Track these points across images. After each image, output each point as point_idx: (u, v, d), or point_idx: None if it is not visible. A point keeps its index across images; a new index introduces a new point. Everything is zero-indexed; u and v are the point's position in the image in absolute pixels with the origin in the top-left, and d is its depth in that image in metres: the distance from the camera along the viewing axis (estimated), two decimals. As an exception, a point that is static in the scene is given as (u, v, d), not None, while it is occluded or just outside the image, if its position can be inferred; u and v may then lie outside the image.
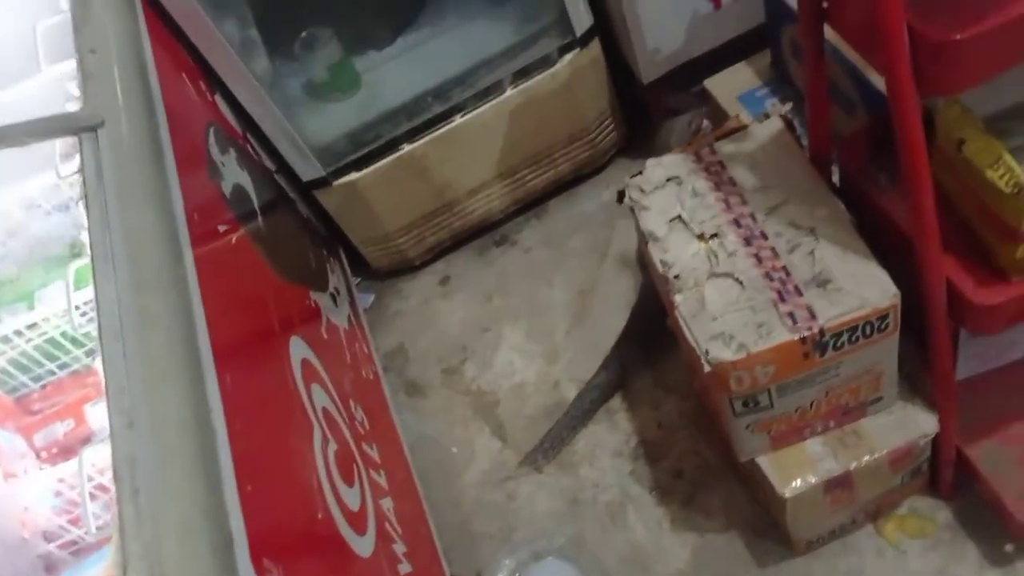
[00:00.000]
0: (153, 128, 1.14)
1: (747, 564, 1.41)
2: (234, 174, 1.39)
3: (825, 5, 0.98)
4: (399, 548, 1.26)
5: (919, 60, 0.85)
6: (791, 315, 1.06)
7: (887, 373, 1.16)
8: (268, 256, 1.34)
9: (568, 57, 1.70)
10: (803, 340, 1.05)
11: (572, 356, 1.74)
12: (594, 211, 1.92)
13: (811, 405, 1.16)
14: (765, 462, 1.24)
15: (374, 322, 1.94)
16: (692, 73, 1.72)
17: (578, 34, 1.67)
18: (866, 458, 1.20)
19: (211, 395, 0.90)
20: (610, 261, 1.83)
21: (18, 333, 1.27)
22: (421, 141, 1.72)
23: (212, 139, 1.38)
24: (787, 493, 1.21)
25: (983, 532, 1.33)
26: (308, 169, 1.69)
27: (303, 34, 1.74)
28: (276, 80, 1.70)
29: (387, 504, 1.31)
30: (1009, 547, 1.31)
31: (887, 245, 1.10)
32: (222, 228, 1.21)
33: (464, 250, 1.98)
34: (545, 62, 1.70)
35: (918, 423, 1.21)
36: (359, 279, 2.01)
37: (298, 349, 1.25)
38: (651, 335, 1.64)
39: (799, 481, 1.21)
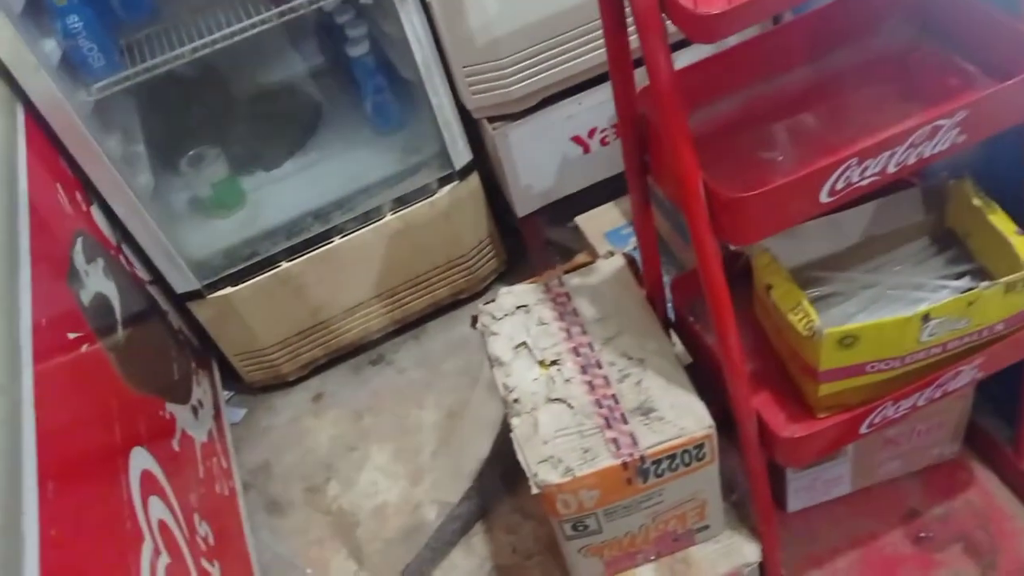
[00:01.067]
0: (12, 231, 1.16)
1: None
2: (98, 283, 1.41)
3: (647, 159, 1.09)
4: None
5: (714, 212, 0.94)
6: (615, 441, 1.12)
7: (710, 502, 1.21)
8: (122, 367, 1.35)
9: (447, 188, 1.79)
10: (625, 466, 1.10)
11: (436, 478, 1.75)
12: (470, 335, 1.94)
13: (640, 530, 1.21)
14: (600, 588, 1.27)
15: (242, 437, 1.92)
16: (565, 208, 1.83)
17: (457, 168, 1.77)
18: (693, 586, 1.24)
19: (27, 502, 0.89)
20: (481, 385, 1.88)
21: None
22: (299, 260, 1.76)
23: (79, 247, 1.40)
24: (618, 619, 1.23)
25: (811, 664, 1.37)
26: (183, 281, 1.71)
27: (191, 152, 1.79)
28: (159, 194, 1.74)
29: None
30: None
31: (713, 380, 1.17)
32: (73, 336, 1.22)
33: (340, 367, 2.00)
34: (425, 191, 1.79)
35: (743, 552, 1.26)
36: (232, 393, 2.00)
37: (140, 460, 1.25)
38: (514, 460, 1.68)
39: (630, 607, 1.24)
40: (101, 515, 1.07)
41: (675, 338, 1.32)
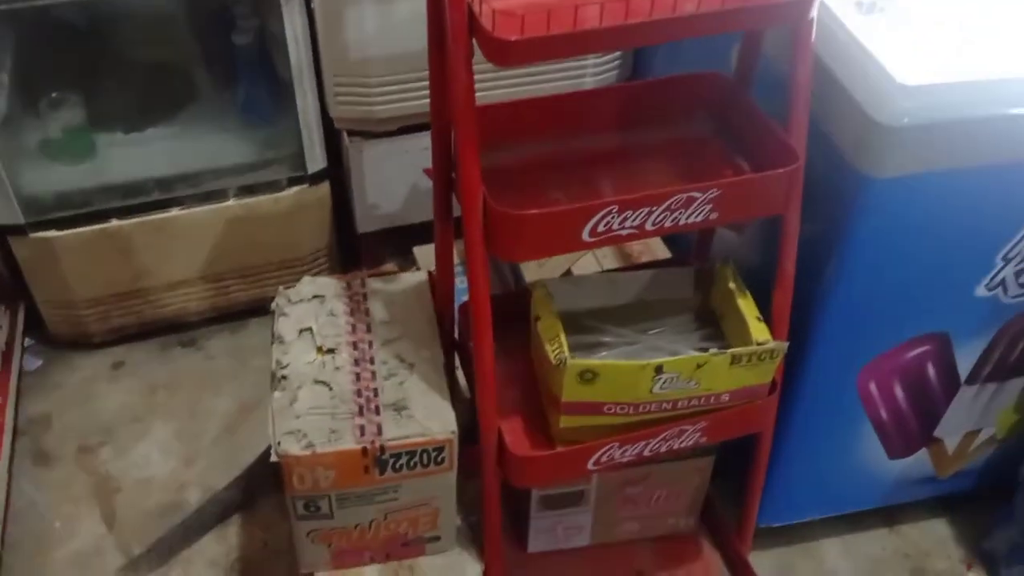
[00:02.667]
0: None
1: None
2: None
3: (453, 175, 1.18)
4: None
5: (489, 227, 1.03)
6: (362, 428, 1.17)
7: (444, 511, 1.27)
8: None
9: (295, 189, 1.84)
10: (364, 451, 1.15)
11: (209, 464, 1.75)
12: (287, 340, 2.00)
13: (371, 525, 1.25)
14: (323, 578, 1.30)
15: (31, 386, 1.88)
16: (406, 236, 1.91)
17: (309, 171, 1.83)
18: (411, 592, 1.29)
19: None
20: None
21: None
22: (131, 221, 1.77)
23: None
24: (331, 609, 1.26)
25: None
26: (7, 213, 1.69)
27: (53, 94, 1.80)
28: (8, 124, 1.74)
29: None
30: None
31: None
32: None
33: (148, 342, 1.99)
34: (273, 187, 1.83)
35: (464, 570, 1.31)
36: (32, 342, 1.96)
37: None
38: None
39: (346, 601, 1.27)
40: None
41: (457, 362, 1.40)
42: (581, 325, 1.28)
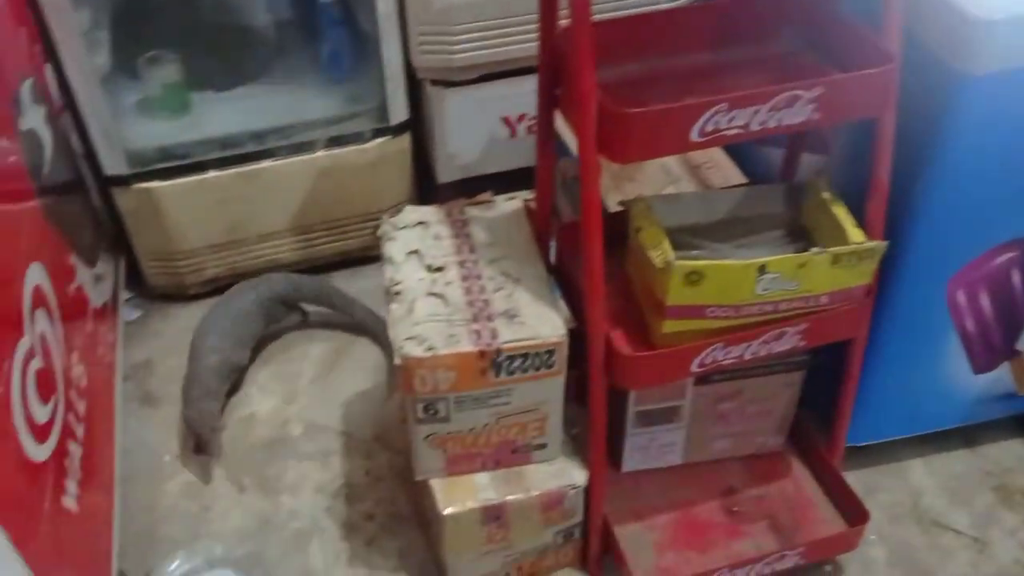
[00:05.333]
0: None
1: (404, 604, 1.50)
2: (36, 123, 1.49)
3: (558, 92, 1.24)
4: (72, 487, 1.28)
5: (601, 129, 1.09)
6: (478, 332, 1.24)
7: (551, 417, 1.33)
8: (41, 196, 1.42)
9: (379, 140, 1.92)
10: (482, 354, 1.22)
11: (308, 402, 1.83)
12: (371, 290, 2.07)
13: (483, 429, 1.32)
14: (437, 484, 1.37)
15: (132, 335, 1.97)
16: (480, 188, 1.97)
17: (392, 123, 1.90)
18: (520, 495, 1.35)
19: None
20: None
21: None
22: (228, 172, 1.86)
23: (27, 86, 1.48)
24: (447, 510, 1.33)
25: (618, 609, 1.48)
26: (114, 163, 1.79)
27: (151, 53, 1.89)
28: (111, 80, 1.83)
29: (75, 449, 1.34)
30: (635, 625, 1.46)
31: (580, 317, 1.31)
32: (3, 143, 1.30)
33: (241, 293, 2.07)
34: (358, 138, 1.91)
35: (571, 475, 1.37)
36: (132, 295, 2.06)
37: (36, 275, 1.31)
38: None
39: (460, 503, 1.33)
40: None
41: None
42: (677, 241, 1.33)
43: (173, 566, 1.53)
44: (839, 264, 1.20)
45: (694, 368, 1.25)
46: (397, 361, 1.22)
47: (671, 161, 1.77)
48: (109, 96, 1.76)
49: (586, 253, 1.17)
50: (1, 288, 1.19)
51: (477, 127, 1.90)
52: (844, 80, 1.12)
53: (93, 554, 1.37)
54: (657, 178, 1.71)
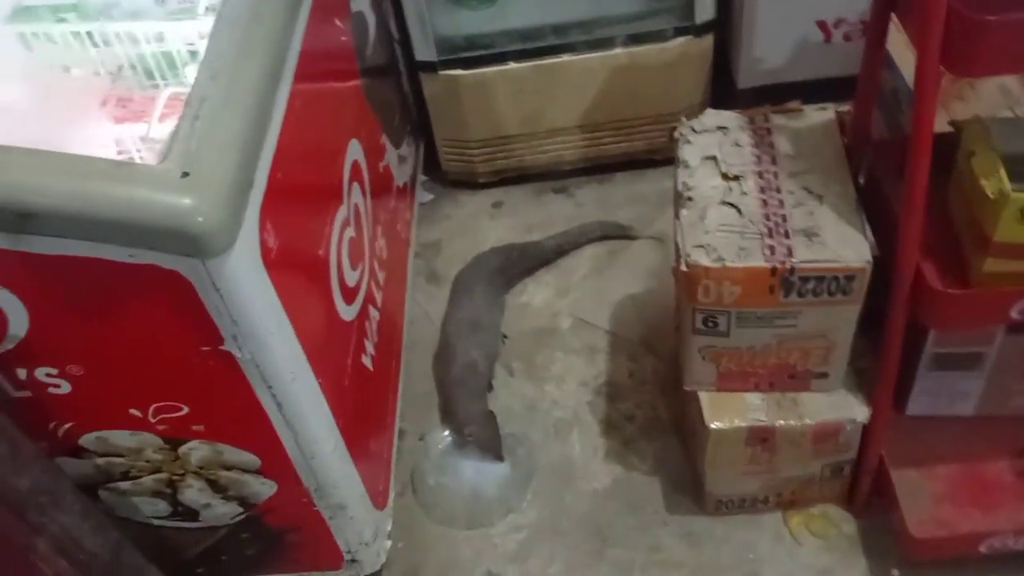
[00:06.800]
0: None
1: (656, 507, 1.52)
2: (363, 4, 1.59)
3: (893, -8, 1.12)
4: (370, 347, 1.40)
5: (949, 38, 0.97)
6: (772, 248, 1.18)
7: (839, 347, 1.26)
8: (363, 77, 1.52)
9: (681, 40, 1.86)
10: (773, 271, 1.17)
11: (580, 297, 1.87)
12: (651, 194, 2.05)
13: (762, 349, 1.27)
14: (705, 397, 1.35)
15: (424, 216, 2.10)
16: (786, 97, 1.86)
17: (696, 22, 1.83)
18: (793, 422, 1.30)
19: (280, 97, 1.06)
20: (646, 236, 1.97)
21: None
22: (526, 64, 1.89)
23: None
24: (714, 425, 1.31)
25: (878, 553, 1.41)
26: (424, 49, 1.87)
27: (465, -51, 1.94)
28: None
29: (374, 314, 1.46)
30: (895, 572, 1.39)
31: (884, 245, 1.21)
32: (337, 23, 1.39)
33: (524, 186, 2.13)
34: (659, 36, 1.86)
35: (851, 409, 1.30)
36: (426, 179, 2.18)
37: (355, 151, 1.42)
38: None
39: (728, 420, 1.31)
40: (319, 154, 1.24)
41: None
42: (1015, 171, 1.18)
43: (446, 432, 1.65)
44: None
45: (1013, 314, 1.13)
46: (683, 268, 1.20)
47: (1011, 80, 1.56)
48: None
49: (910, 174, 1.07)
50: (327, 159, 1.29)
51: (788, 29, 1.78)
52: None
53: (381, 411, 1.50)
54: (993, 98, 1.52)
